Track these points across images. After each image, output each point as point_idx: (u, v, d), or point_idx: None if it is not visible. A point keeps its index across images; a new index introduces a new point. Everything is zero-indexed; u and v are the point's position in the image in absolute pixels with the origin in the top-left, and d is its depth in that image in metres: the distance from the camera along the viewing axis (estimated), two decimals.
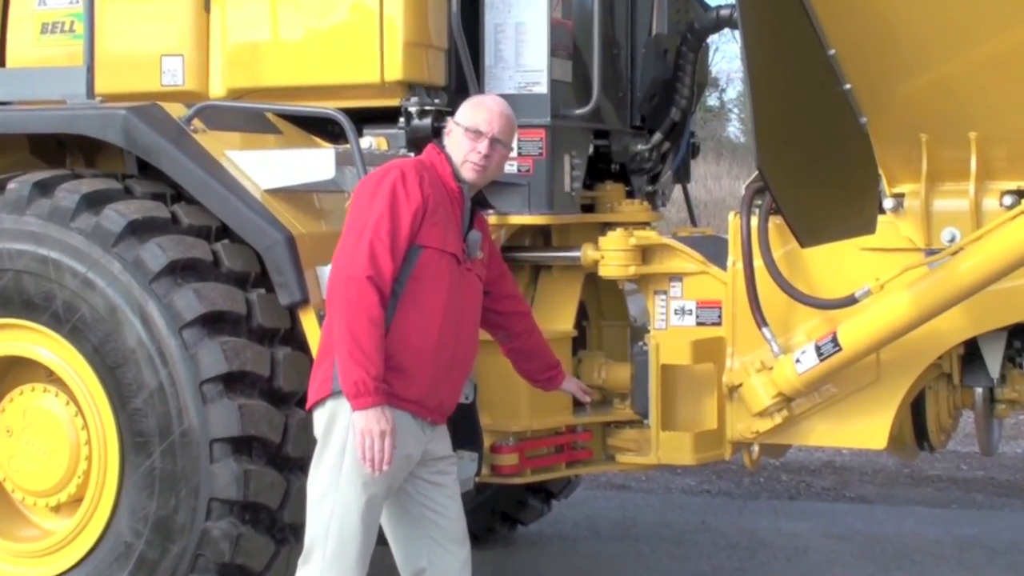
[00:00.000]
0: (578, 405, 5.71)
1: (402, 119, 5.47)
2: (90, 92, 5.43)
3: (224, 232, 5.16)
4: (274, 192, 5.15)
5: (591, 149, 5.86)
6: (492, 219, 5.48)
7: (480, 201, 4.56)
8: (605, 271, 5.49)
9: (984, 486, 8.78)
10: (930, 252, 4.79)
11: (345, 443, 4.18)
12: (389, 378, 4.13)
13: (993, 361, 5.07)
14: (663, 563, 7.03)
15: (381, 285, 4.11)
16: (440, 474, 4.43)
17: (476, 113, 4.41)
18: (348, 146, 5.06)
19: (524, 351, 4.88)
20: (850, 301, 4.86)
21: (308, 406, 4.38)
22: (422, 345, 4.22)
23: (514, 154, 5.43)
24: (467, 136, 4.36)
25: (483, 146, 4.35)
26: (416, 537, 4.41)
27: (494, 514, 6.94)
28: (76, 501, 5.21)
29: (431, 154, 4.45)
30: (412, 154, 5.36)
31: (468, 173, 4.37)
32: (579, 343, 5.84)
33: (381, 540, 4.41)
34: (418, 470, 4.36)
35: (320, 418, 4.30)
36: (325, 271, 4.69)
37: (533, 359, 4.90)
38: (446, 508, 4.42)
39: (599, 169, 6.10)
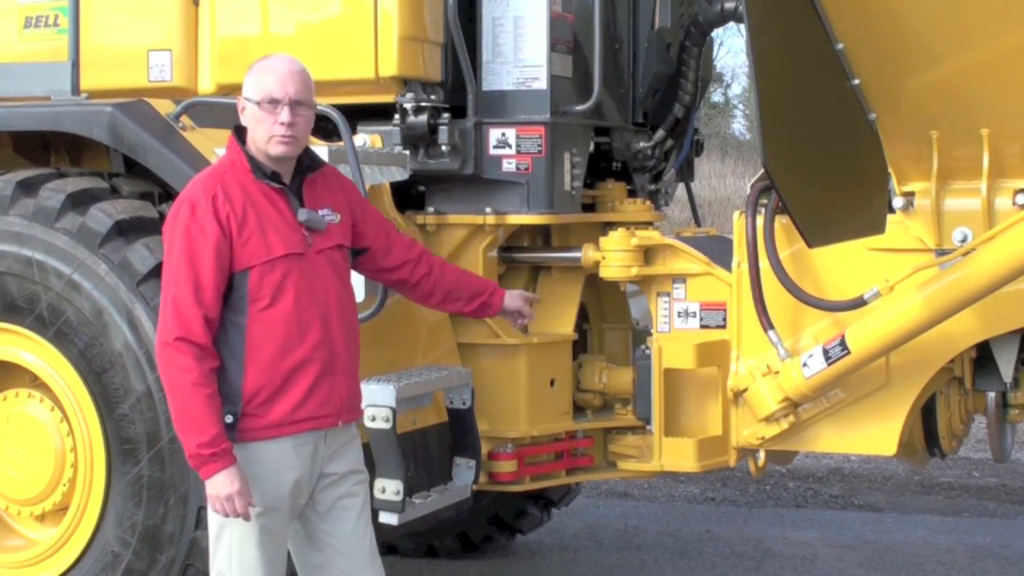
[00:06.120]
0: (578, 409, 5.63)
1: (397, 116, 5.40)
2: (75, 88, 5.44)
3: None
4: None
5: (592, 147, 5.81)
6: (490, 219, 5.38)
7: (308, 166, 4.14)
8: (606, 272, 5.42)
9: (997, 494, 8.77)
10: (941, 252, 4.73)
11: None
12: (263, 410, 3.96)
13: (1006, 365, 5.01)
14: (666, 573, 6.99)
15: (196, 339, 3.89)
16: (345, 497, 4.15)
17: (263, 81, 4.01)
18: (342, 144, 5.00)
19: (438, 292, 4.53)
20: (859, 303, 4.79)
21: None
22: (288, 361, 3.99)
23: (513, 152, 5.35)
24: (263, 110, 3.99)
25: (284, 114, 3.97)
26: (318, 565, 4.18)
27: (492, 523, 6.89)
28: (61, 510, 5.17)
29: (230, 152, 4.10)
30: (399, 148, 5.28)
31: (277, 148, 4.00)
32: (580, 346, 5.81)
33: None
34: (319, 495, 4.12)
35: None
36: None
37: (454, 297, 4.56)
38: (352, 535, 4.15)
39: (600, 167, 6.05)
